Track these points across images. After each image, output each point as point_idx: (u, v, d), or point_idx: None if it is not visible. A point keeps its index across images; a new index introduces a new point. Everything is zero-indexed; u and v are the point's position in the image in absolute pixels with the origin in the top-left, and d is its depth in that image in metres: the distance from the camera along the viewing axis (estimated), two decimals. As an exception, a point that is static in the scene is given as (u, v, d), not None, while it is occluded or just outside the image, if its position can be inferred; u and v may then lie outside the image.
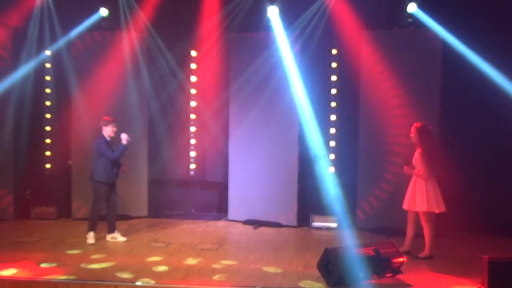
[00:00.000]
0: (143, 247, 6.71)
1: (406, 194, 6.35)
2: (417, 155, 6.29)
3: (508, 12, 7.38)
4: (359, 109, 8.01)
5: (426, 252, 6.25)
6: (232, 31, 8.34)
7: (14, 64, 8.25)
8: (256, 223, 8.20)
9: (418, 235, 6.38)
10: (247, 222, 8.30)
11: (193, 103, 9.06)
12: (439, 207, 6.16)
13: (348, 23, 7.90)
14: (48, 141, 8.76)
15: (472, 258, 5.97)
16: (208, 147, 9.18)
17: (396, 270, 5.43)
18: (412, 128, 6.32)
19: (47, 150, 8.77)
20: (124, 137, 6.84)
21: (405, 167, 6.36)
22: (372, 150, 7.86)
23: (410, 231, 6.43)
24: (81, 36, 8.29)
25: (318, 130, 7.86)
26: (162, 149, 8.82)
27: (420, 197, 6.15)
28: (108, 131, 6.91)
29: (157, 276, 5.42)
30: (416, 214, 6.30)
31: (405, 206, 6.35)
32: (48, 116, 8.75)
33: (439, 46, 7.54)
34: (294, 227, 8.12)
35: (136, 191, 8.51)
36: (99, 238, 7.01)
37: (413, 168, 6.29)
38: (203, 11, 8.35)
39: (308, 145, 7.87)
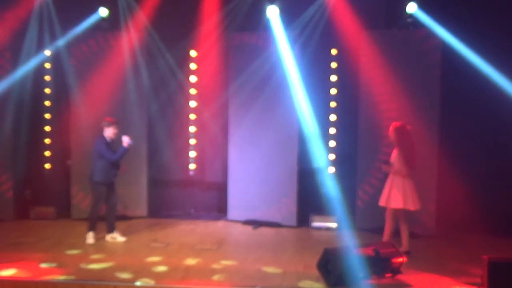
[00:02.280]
0: (142, 247, 6.70)
1: (384, 191, 6.39)
2: (395, 154, 6.36)
3: (508, 12, 7.38)
4: (359, 109, 8.00)
5: (404, 247, 6.26)
6: (231, 31, 8.33)
7: (13, 64, 8.24)
8: (255, 223, 8.20)
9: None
10: (246, 222, 8.30)
11: (192, 103, 9.05)
12: (414, 205, 6.21)
13: (348, 23, 7.90)
14: (47, 141, 8.80)
15: (472, 258, 5.97)
16: (207, 147, 9.17)
17: (396, 270, 5.43)
18: (390, 127, 6.39)
19: (47, 150, 8.81)
20: (125, 140, 6.82)
21: (383, 165, 6.46)
22: (372, 150, 7.86)
23: (403, 230, 6.42)
24: (80, 36, 8.27)
25: (318, 130, 7.85)
26: (161, 149, 8.82)
27: (396, 194, 6.20)
28: (109, 132, 6.90)
29: (157, 276, 5.42)
30: (401, 212, 6.29)
31: (382, 202, 6.40)
32: (47, 116, 8.78)
33: (439, 46, 7.54)
34: (294, 227, 8.11)
35: (135, 191, 8.52)
36: (99, 238, 7.00)
37: (391, 166, 6.35)
38: (202, 11, 8.35)
39: (307, 145, 7.86)
